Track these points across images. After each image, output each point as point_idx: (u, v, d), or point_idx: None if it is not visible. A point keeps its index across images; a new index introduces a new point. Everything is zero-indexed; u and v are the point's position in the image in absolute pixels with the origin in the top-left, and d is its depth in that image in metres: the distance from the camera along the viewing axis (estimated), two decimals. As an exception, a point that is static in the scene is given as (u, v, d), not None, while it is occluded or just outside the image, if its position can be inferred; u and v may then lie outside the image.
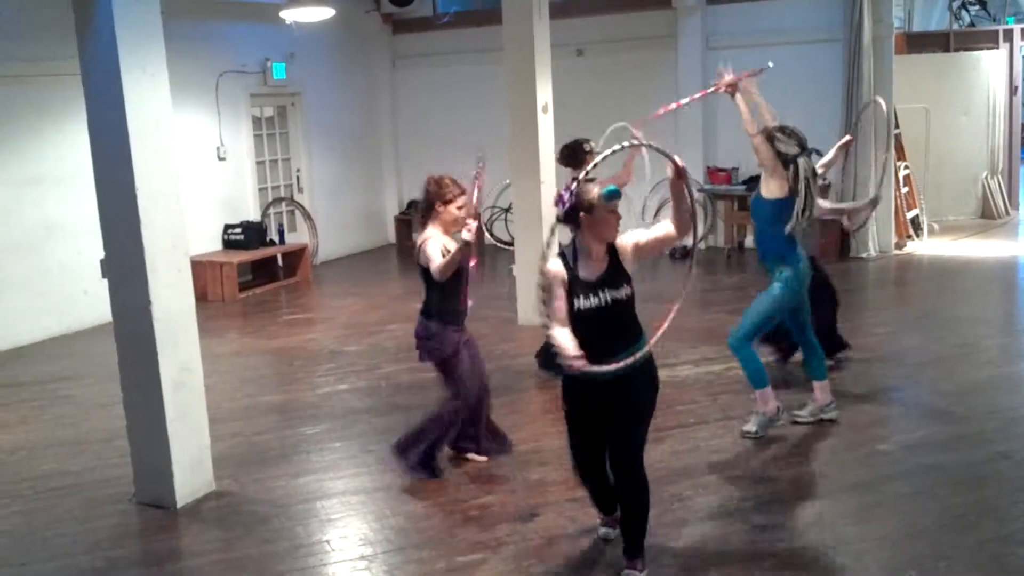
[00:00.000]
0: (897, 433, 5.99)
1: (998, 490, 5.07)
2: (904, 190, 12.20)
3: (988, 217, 13.60)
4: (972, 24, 15.42)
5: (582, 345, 3.92)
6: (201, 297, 8.84)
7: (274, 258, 11.93)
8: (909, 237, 12.22)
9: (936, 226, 12.78)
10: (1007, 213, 13.76)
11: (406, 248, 14.31)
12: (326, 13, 10.43)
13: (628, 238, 4.12)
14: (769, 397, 5.92)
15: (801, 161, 5.65)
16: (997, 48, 13.65)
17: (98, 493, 5.52)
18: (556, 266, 4.06)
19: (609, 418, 4.15)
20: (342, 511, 5.17)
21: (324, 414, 6.80)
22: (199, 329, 5.38)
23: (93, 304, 9.04)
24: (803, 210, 5.64)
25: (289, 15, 10.47)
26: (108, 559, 4.72)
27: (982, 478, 5.20)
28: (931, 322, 8.58)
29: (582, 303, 4.01)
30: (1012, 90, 13.76)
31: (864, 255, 11.57)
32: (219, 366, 7.79)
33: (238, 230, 11.45)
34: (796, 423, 6.07)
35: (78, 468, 5.96)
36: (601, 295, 4.00)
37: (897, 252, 11.81)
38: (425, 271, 5.18)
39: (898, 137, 12.07)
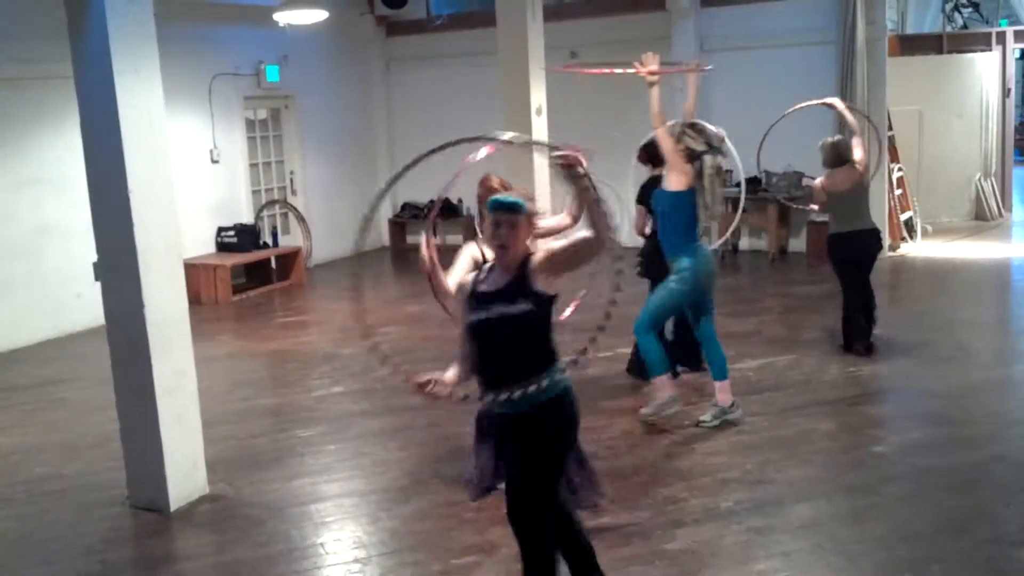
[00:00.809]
0: (892, 435, 6.00)
1: (993, 492, 5.08)
2: (898, 192, 12.21)
3: (981, 219, 13.64)
4: (965, 26, 15.45)
5: (478, 370, 3.59)
6: (194, 300, 8.82)
7: (268, 261, 11.91)
8: (903, 239, 12.24)
9: (929, 228, 12.81)
10: (1000, 215, 13.80)
11: (400, 251, 14.31)
12: (319, 15, 10.42)
13: (542, 248, 3.56)
14: (666, 384, 6.09)
15: (707, 158, 5.84)
16: (990, 50, 13.69)
17: (92, 497, 5.49)
18: (466, 277, 3.73)
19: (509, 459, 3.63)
20: (336, 514, 5.15)
21: (319, 417, 6.79)
22: (192, 332, 5.36)
23: (87, 307, 9.02)
24: (707, 206, 5.86)
25: (282, 18, 10.46)
26: (102, 563, 4.71)
27: (977, 481, 5.21)
28: (925, 324, 8.58)
29: (469, 317, 3.56)
30: (1005, 92, 13.79)
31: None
32: (213, 369, 7.77)
33: (231, 233, 11.43)
34: (700, 425, 6.12)
35: (72, 472, 5.94)
36: (489, 309, 3.48)
37: (890, 254, 11.82)
38: None
39: (892, 139, 12.09)
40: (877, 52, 11.48)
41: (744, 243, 12.66)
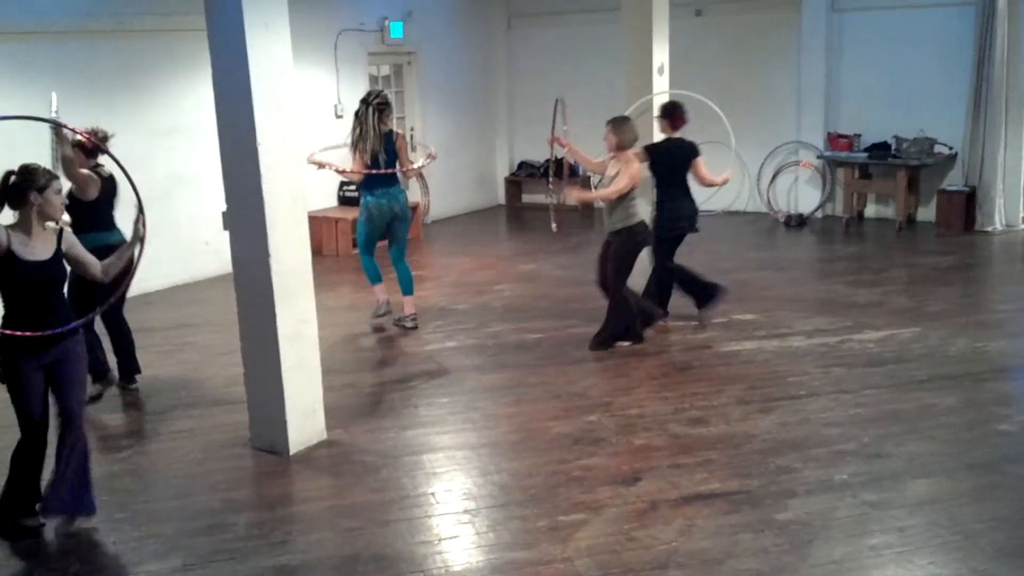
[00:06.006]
0: (1019, 414, 5.75)
1: None
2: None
3: None
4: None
5: None
6: (316, 252, 9.02)
7: (386, 215, 12.08)
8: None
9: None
10: None
11: (516, 209, 14.37)
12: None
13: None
14: (378, 291, 7.96)
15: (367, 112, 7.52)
16: None
17: (216, 437, 5.73)
18: None
19: None
20: (448, 465, 5.25)
21: (432, 370, 6.91)
22: (314, 283, 5.50)
23: (215, 254, 9.37)
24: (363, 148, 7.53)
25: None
26: (224, 500, 4.91)
27: (1110, 464, 4.97)
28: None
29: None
30: None
31: (990, 229, 11.11)
32: (332, 319, 7.97)
33: (353, 187, 11.63)
34: (398, 323, 7.95)
35: (199, 412, 6.19)
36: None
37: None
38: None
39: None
40: (1020, 13, 10.89)
41: (871, 211, 12.28)
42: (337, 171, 7.90)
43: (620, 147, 6.94)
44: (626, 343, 7.20)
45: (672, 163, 7.42)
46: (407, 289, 7.95)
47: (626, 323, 7.18)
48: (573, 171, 13.65)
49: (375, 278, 7.96)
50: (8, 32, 8.18)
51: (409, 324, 7.92)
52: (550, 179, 8.71)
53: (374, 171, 7.53)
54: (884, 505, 4.57)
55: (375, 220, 7.70)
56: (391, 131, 7.65)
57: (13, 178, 4.38)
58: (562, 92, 12.40)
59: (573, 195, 7.55)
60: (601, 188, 7.12)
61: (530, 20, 14.21)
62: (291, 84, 5.22)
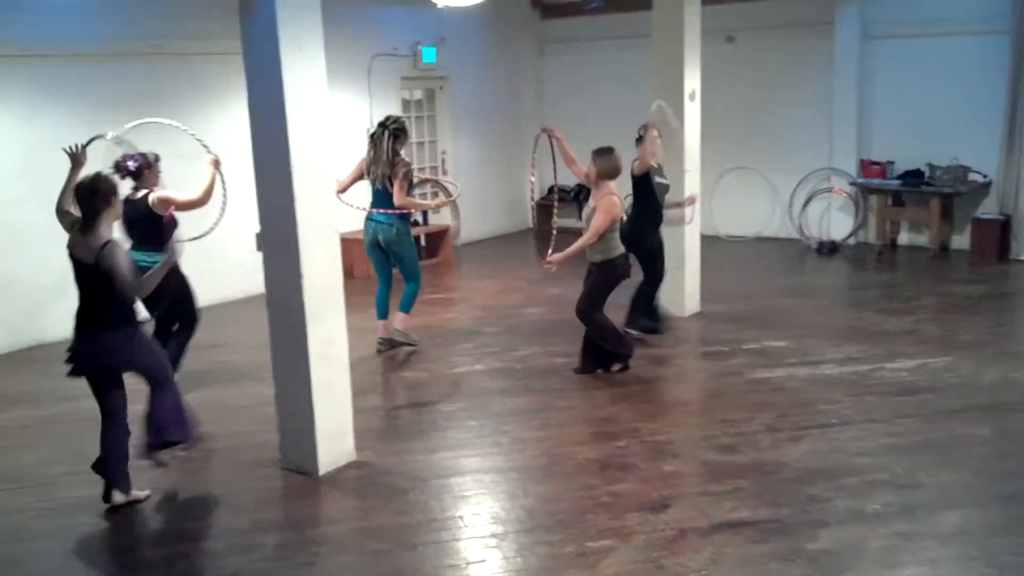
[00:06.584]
0: (1054, 445, 5.70)
1: None
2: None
3: None
4: None
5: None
6: (347, 274, 9.06)
7: (418, 238, 12.13)
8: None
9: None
10: None
11: (544, 233, 14.35)
12: (479, -1, 10.50)
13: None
14: (379, 326, 8.03)
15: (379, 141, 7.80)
16: None
17: (245, 457, 5.76)
18: None
19: None
20: (475, 489, 5.25)
21: (461, 393, 6.92)
22: (345, 304, 5.53)
23: (246, 275, 9.42)
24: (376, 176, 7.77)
25: (441, 0, 10.60)
26: (252, 521, 4.93)
27: None
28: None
29: None
30: None
31: (1024, 257, 11.01)
32: (362, 341, 7.98)
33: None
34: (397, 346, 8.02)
35: (228, 432, 6.23)
36: None
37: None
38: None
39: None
40: (1056, 42, 10.83)
41: (904, 238, 12.18)
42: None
43: (598, 177, 6.87)
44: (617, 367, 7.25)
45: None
46: (403, 306, 8.04)
47: (615, 340, 7.17)
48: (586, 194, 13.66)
49: (377, 312, 8.09)
50: (38, 55, 8.34)
51: (383, 347, 8.04)
52: (555, 206, 8.57)
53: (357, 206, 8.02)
54: (916, 536, 4.52)
55: (365, 243, 8.03)
56: (395, 156, 7.70)
57: (99, 184, 4.83)
58: (592, 117, 12.49)
59: (555, 262, 6.87)
60: (586, 217, 6.98)
61: (562, 46, 14.27)
62: (325, 106, 5.27)
